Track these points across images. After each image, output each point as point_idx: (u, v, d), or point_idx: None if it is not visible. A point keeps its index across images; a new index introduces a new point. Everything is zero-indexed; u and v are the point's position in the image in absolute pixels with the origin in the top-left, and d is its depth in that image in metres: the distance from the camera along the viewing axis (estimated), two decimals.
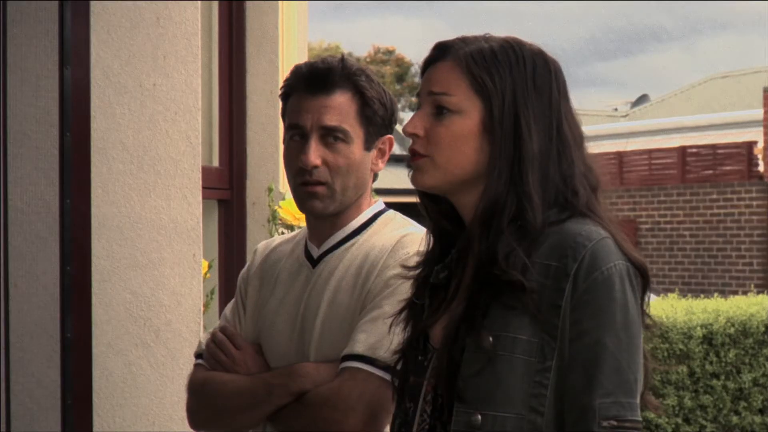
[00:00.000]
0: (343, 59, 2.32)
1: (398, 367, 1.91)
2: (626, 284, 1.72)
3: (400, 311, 1.94)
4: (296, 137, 2.30)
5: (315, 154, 2.26)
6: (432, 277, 1.88)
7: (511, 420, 1.71)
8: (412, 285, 1.94)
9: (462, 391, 1.74)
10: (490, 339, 1.72)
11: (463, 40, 1.84)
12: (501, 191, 1.77)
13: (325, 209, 2.29)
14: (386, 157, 2.36)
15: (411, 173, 1.84)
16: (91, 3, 3.11)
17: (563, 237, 1.74)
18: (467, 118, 1.80)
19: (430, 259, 1.92)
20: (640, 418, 1.71)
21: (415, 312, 1.91)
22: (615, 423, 1.67)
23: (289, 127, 2.32)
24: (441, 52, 1.84)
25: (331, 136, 2.27)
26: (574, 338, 1.70)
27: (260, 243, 2.54)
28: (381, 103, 2.31)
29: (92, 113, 3.12)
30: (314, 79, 2.28)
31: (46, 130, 3.04)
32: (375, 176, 2.38)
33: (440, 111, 1.81)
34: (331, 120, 2.27)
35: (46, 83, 3.05)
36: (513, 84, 1.79)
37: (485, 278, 1.75)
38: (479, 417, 1.72)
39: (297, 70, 2.34)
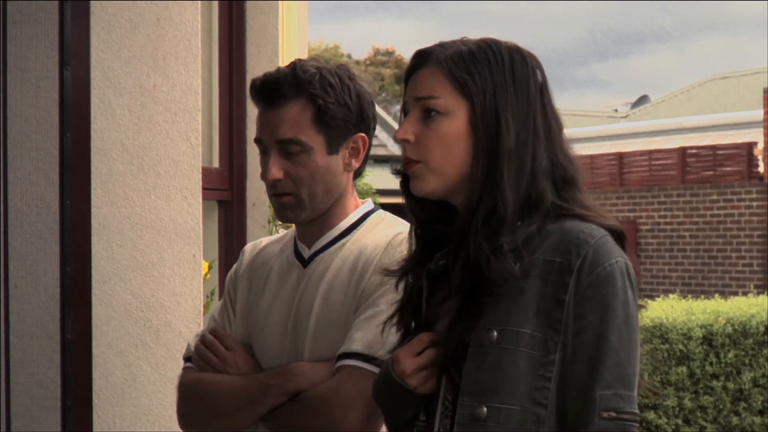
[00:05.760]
0: (295, 66, 2.30)
1: None
2: (626, 280, 1.77)
3: (392, 315, 1.96)
4: (261, 152, 2.32)
5: (275, 168, 2.27)
6: (432, 264, 1.89)
7: (516, 412, 1.74)
8: (410, 275, 1.94)
9: (465, 385, 1.77)
10: (495, 333, 1.76)
11: (441, 45, 1.87)
12: (479, 187, 1.80)
13: (297, 217, 2.31)
14: (362, 155, 2.34)
15: (410, 182, 1.87)
16: (91, 3, 3.11)
17: (566, 234, 1.77)
18: (455, 119, 1.82)
19: (414, 260, 1.93)
20: (638, 411, 1.76)
21: (413, 306, 1.92)
22: (614, 414, 1.72)
23: (255, 141, 2.35)
24: (421, 59, 1.88)
25: (288, 148, 2.27)
26: (578, 332, 1.74)
27: (248, 244, 2.54)
28: (342, 105, 2.29)
29: (92, 114, 3.12)
30: (266, 92, 2.30)
31: (46, 131, 3.04)
32: (357, 174, 2.37)
33: (428, 114, 1.84)
34: (285, 133, 2.27)
35: (46, 84, 3.04)
36: (493, 82, 1.82)
37: (474, 276, 1.78)
38: (485, 409, 1.75)
39: (252, 83, 2.35)
